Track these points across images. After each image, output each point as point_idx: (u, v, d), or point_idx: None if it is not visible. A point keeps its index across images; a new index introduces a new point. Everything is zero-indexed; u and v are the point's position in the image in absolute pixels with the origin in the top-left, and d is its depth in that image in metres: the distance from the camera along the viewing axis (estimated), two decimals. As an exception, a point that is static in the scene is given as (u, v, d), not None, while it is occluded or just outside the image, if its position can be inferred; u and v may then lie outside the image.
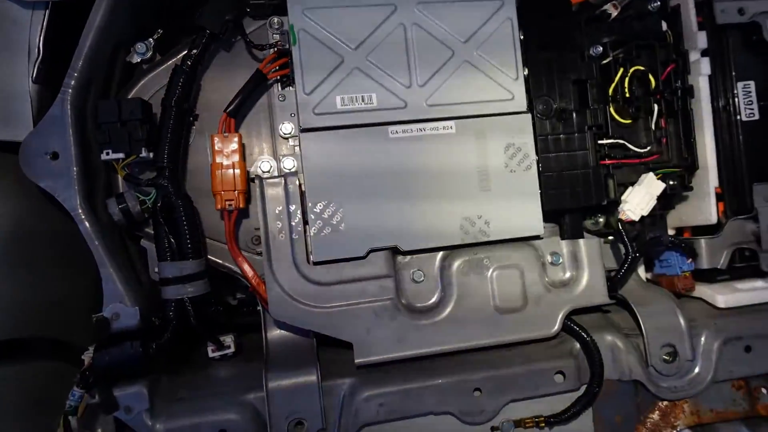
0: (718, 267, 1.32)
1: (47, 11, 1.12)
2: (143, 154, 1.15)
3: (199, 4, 1.19)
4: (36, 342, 1.17)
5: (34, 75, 1.13)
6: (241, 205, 1.20)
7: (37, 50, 1.13)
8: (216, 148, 1.19)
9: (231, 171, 1.19)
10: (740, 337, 1.31)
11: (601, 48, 1.27)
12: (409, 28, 1.20)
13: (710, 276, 1.37)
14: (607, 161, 1.28)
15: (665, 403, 1.32)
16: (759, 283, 1.36)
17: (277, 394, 1.16)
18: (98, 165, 1.20)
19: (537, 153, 1.25)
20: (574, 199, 1.26)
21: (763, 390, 1.36)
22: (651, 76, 1.27)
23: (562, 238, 1.30)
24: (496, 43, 1.23)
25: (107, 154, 1.14)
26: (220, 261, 1.27)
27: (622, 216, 1.25)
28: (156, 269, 1.20)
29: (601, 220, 1.34)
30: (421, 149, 1.20)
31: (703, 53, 1.31)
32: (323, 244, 1.17)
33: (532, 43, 1.26)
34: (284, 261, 1.17)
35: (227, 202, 1.19)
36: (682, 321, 1.28)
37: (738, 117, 1.32)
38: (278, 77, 1.25)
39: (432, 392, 1.20)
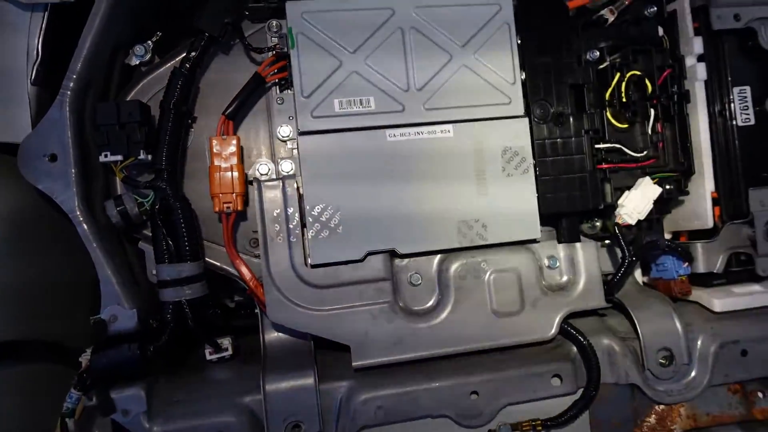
0: (715, 271, 1.33)
1: (46, 13, 1.13)
2: (141, 156, 1.15)
3: (198, 6, 1.19)
4: (33, 344, 1.16)
5: (33, 77, 1.13)
6: (239, 208, 1.20)
7: (35, 52, 1.13)
8: (214, 150, 1.19)
9: (229, 174, 1.19)
10: (736, 341, 1.31)
11: (598, 53, 1.27)
12: (407, 32, 1.21)
13: (706, 280, 1.37)
14: (604, 165, 1.28)
15: (662, 406, 1.32)
16: (755, 287, 1.36)
17: (274, 397, 1.16)
18: (96, 167, 1.20)
19: (534, 157, 1.25)
20: (570, 203, 1.26)
21: (759, 394, 1.36)
22: (647, 81, 1.27)
23: (559, 242, 1.30)
24: (493, 47, 1.24)
25: (105, 156, 1.14)
26: (218, 263, 1.27)
27: (618, 220, 1.26)
28: (154, 271, 1.20)
29: (597, 224, 1.35)
30: (418, 153, 1.20)
31: (699, 58, 1.32)
32: (321, 247, 1.17)
33: (529, 48, 1.26)
34: (282, 264, 1.17)
35: (225, 205, 1.19)
36: (678, 325, 1.29)
37: (734, 122, 1.33)
38: (277, 80, 1.25)
39: (429, 395, 1.20)
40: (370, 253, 1.19)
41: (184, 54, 1.20)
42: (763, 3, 1.31)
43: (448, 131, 1.22)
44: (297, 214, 1.18)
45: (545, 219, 1.27)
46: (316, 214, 1.17)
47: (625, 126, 1.29)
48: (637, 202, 1.25)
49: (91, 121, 1.18)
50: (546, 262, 1.30)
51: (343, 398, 1.20)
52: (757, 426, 1.34)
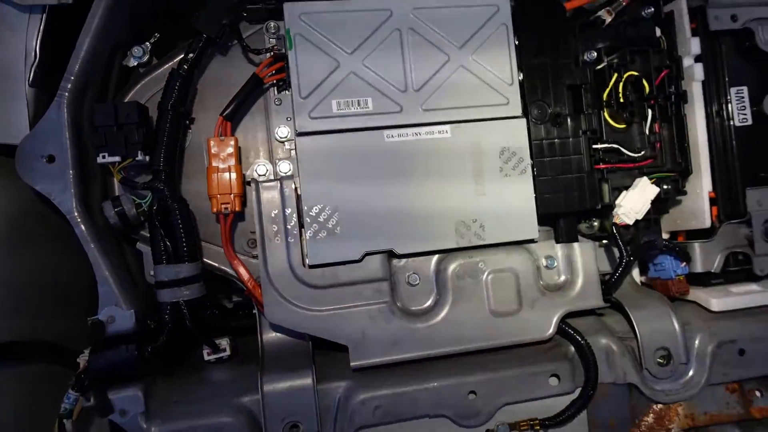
0: (712, 271, 1.33)
1: (44, 15, 1.13)
2: (139, 157, 1.15)
3: (196, 8, 1.19)
4: (31, 345, 1.17)
5: (31, 78, 1.13)
6: (237, 209, 1.20)
7: (33, 54, 1.13)
8: (212, 151, 1.19)
9: (227, 174, 1.19)
10: (734, 341, 1.32)
11: (596, 53, 1.28)
12: (404, 33, 1.21)
13: (704, 279, 1.37)
14: (602, 165, 1.28)
15: (659, 406, 1.32)
16: (752, 286, 1.37)
17: (272, 397, 1.16)
18: (94, 168, 1.20)
19: (532, 157, 1.25)
20: (568, 203, 1.27)
21: (757, 393, 1.36)
22: (645, 82, 1.27)
23: (557, 242, 1.30)
24: (491, 48, 1.24)
25: (103, 157, 1.14)
26: (216, 264, 1.27)
27: (616, 220, 1.26)
28: (152, 272, 1.21)
29: (595, 224, 1.35)
30: (416, 153, 1.21)
31: (697, 59, 1.32)
32: (319, 247, 1.17)
33: (527, 49, 1.26)
34: (280, 264, 1.17)
35: (223, 206, 1.19)
36: (676, 324, 1.29)
37: (731, 122, 1.33)
38: (274, 81, 1.25)
39: (427, 395, 1.20)
40: (368, 254, 1.19)
41: (182, 55, 1.19)
42: (760, 4, 1.31)
43: (446, 132, 1.22)
44: (295, 215, 1.18)
45: (543, 219, 1.27)
46: (314, 214, 1.17)
47: (623, 126, 1.29)
48: (634, 202, 1.25)
49: (88, 122, 1.18)
50: (544, 262, 1.30)
51: (341, 398, 1.20)
52: (754, 425, 1.34)
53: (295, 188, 1.19)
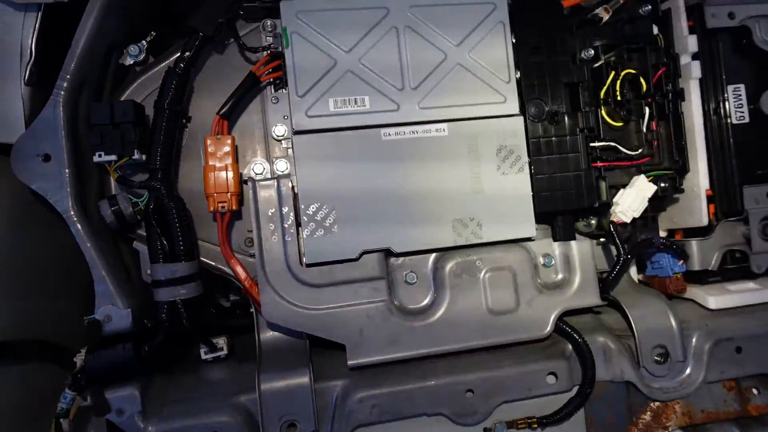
0: (709, 269, 1.33)
1: (39, 13, 1.12)
2: (136, 156, 1.14)
3: (193, 6, 1.19)
4: (27, 344, 1.17)
5: (26, 77, 1.13)
6: (233, 208, 1.19)
7: (29, 52, 1.13)
8: (209, 150, 1.19)
9: (224, 173, 1.19)
10: (731, 338, 1.32)
11: (593, 51, 1.27)
12: (401, 32, 1.21)
13: (701, 277, 1.37)
14: (599, 164, 1.28)
15: (657, 404, 1.32)
16: (750, 284, 1.37)
17: (269, 396, 1.16)
18: (90, 167, 1.20)
19: (529, 155, 1.25)
20: (566, 201, 1.26)
21: (754, 390, 1.37)
22: (642, 80, 1.27)
23: (554, 240, 1.30)
24: (488, 46, 1.24)
25: (99, 156, 1.13)
26: (213, 263, 1.26)
27: (613, 218, 1.26)
28: (148, 271, 1.20)
29: (593, 222, 1.35)
30: (413, 152, 1.20)
31: (694, 57, 1.32)
32: (316, 246, 1.17)
33: (524, 47, 1.26)
34: (277, 263, 1.17)
35: (220, 204, 1.18)
36: (673, 322, 1.29)
37: (728, 120, 1.33)
38: (271, 80, 1.25)
39: (425, 393, 1.20)
40: (365, 252, 1.19)
41: (179, 54, 1.19)
42: (757, 1, 1.31)
43: (443, 130, 1.22)
44: (292, 214, 1.18)
45: (540, 217, 1.27)
46: (311, 213, 1.17)
47: (620, 124, 1.29)
48: (632, 200, 1.25)
49: (85, 121, 1.18)
50: (541, 260, 1.30)
51: (339, 397, 1.20)
52: (752, 422, 1.34)
53: (292, 187, 1.19)
